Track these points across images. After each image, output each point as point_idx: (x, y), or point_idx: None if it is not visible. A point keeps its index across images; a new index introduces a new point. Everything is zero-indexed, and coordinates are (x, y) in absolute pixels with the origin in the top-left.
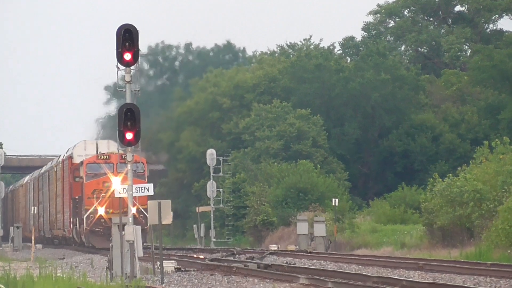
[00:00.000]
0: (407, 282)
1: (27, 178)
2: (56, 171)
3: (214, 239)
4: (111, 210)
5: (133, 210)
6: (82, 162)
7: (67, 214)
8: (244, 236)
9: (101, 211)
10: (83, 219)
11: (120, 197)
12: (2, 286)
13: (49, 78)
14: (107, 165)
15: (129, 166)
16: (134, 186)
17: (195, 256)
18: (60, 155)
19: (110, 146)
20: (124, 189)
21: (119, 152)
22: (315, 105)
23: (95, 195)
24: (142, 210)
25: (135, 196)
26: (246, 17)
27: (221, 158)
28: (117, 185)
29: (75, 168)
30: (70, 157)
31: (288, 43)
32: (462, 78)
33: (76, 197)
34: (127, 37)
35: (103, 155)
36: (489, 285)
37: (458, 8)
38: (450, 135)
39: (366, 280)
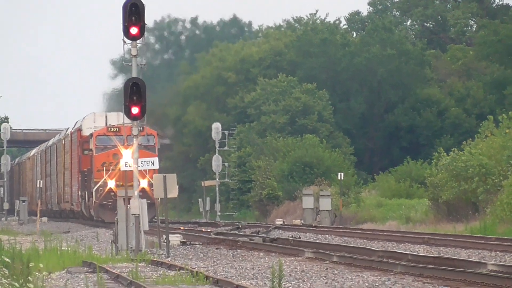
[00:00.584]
0: (412, 256)
1: (34, 151)
2: (64, 143)
3: (219, 213)
4: (121, 183)
5: (145, 183)
6: (91, 134)
7: (75, 187)
8: (250, 210)
9: (111, 184)
10: (92, 192)
11: (126, 170)
12: (6, 259)
13: (55, 53)
14: (117, 137)
15: (134, 141)
16: (140, 160)
17: (203, 230)
18: (68, 128)
19: (120, 118)
20: (129, 163)
21: (129, 125)
22: (321, 80)
23: (104, 168)
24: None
25: (146, 170)
26: None
27: (226, 132)
28: (128, 158)
29: (84, 141)
30: (79, 130)
31: (295, 17)
32: (467, 53)
33: (85, 170)
34: (133, 11)
35: (113, 127)
36: (494, 259)
37: None
38: (455, 110)
39: (371, 254)
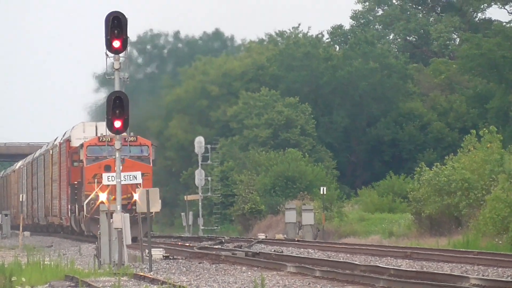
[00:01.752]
0: (395, 270)
1: (19, 163)
2: (52, 154)
3: (202, 227)
4: (113, 196)
5: (137, 196)
6: (82, 145)
7: (65, 201)
8: (232, 225)
9: (103, 197)
10: (83, 206)
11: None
12: None
13: (37, 66)
14: (109, 147)
15: (117, 154)
16: (122, 174)
17: (186, 244)
18: (56, 138)
19: None
20: (112, 177)
21: (123, 135)
22: (303, 93)
23: (96, 180)
24: None
25: (140, 183)
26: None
27: (209, 146)
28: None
29: (73, 152)
30: (68, 140)
31: (277, 31)
32: (450, 66)
33: (75, 182)
34: (115, 24)
35: (105, 137)
36: (476, 273)
37: None
38: (438, 124)
39: (354, 268)
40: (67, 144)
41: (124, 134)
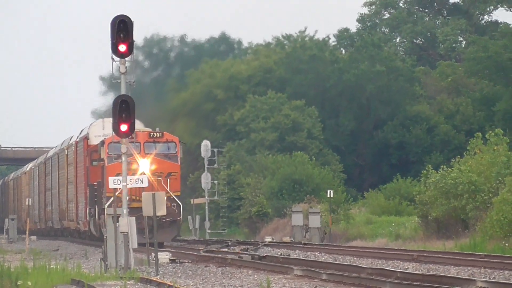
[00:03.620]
0: (402, 273)
1: (31, 164)
2: (67, 154)
3: (208, 231)
4: (138, 197)
5: None
6: (102, 142)
7: (82, 204)
8: (239, 228)
9: None
10: (103, 208)
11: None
12: None
13: (44, 70)
14: (133, 144)
15: (123, 158)
16: (128, 177)
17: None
18: (72, 137)
19: None
20: (118, 181)
21: (147, 130)
22: (310, 96)
23: None
24: (175, 197)
25: (167, 181)
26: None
27: (216, 150)
28: (145, 168)
29: (92, 150)
30: (86, 138)
31: (284, 34)
32: (457, 69)
33: (94, 183)
34: (121, 28)
35: None
36: (483, 276)
37: None
38: (445, 127)
39: (360, 271)
40: (85, 142)
41: (149, 129)
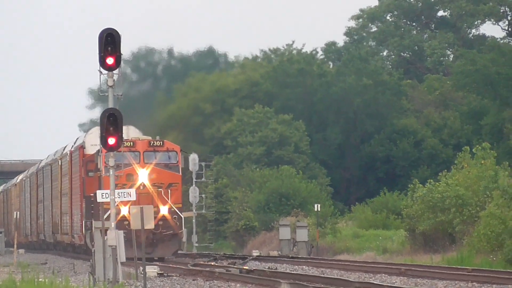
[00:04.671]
0: (389, 287)
1: (21, 176)
2: (61, 164)
3: (196, 244)
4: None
5: (165, 210)
6: (99, 151)
7: (77, 217)
8: (226, 241)
9: (125, 211)
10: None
11: (148, 193)
12: None
13: (29, 83)
14: (132, 153)
15: (111, 172)
16: (116, 191)
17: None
18: (65, 146)
19: (130, 133)
20: (106, 194)
21: (146, 138)
22: (297, 110)
23: None
24: (176, 209)
25: (168, 192)
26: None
27: (203, 164)
28: (144, 178)
29: (88, 160)
30: (81, 147)
31: (271, 48)
32: (444, 83)
33: (91, 194)
34: (109, 41)
35: (127, 142)
36: None
37: (441, 13)
38: (432, 140)
39: (348, 285)
40: (81, 152)
41: (149, 137)
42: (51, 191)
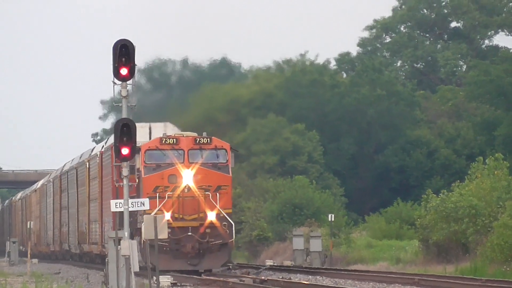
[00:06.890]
0: None
1: (42, 181)
2: (89, 167)
3: None
4: (181, 215)
5: (213, 216)
6: (138, 149)
7: (109, 224)
8: (240, 251)
9: (167, 216)
10: (139, 228)
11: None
12: None
13: (45, 94)
14: (175, 152)
15: (125, 181)
16: (130, 200)
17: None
18: (94, 148)
19: (168, 130)
20: (120, 204)
21: (192, 134)
22: (310, 120)
23: (158, 194)
24: (226, 215)
25: (217, 196)
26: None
27: None
28: (189, 180)
29: None
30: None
31: (284, 59)
32: (457, 94)
33: None
34: (123, 52)
35: (170, 139)
36: None
37: (454, 24)
38: (445, 151)
39: None
40: (113, 152)
41: (194, 134)
42: (77, 196)
